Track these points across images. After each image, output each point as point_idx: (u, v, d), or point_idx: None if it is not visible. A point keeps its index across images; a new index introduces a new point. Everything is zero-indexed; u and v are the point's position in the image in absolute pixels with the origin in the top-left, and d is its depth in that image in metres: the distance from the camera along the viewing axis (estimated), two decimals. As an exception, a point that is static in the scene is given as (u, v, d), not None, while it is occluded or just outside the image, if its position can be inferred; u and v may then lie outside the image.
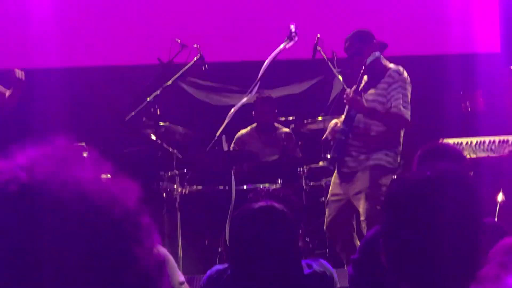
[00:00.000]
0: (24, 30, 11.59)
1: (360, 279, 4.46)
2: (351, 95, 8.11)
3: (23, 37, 11.55)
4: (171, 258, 5.68)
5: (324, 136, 8.52)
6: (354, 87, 8.20)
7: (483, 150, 9.38)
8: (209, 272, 4.97)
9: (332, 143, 8.35)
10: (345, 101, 8.27)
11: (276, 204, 4.09)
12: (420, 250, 2.62)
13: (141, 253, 1.48)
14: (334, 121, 8.52)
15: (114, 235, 1.46)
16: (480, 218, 2.71)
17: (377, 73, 8.17)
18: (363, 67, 8.11)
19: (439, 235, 2.61)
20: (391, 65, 8.24)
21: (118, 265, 1.45)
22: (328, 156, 8.44)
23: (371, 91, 8.18)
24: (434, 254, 2.60)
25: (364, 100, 8.13)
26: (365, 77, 8.25)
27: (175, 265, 5.77)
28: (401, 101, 8.08)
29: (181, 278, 5.65)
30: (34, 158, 1.50)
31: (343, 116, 8.37)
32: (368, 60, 8.07)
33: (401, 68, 8.25)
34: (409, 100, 8.21)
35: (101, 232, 1.44)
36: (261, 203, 4.14)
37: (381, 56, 8.29)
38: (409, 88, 8.21)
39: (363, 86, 8.20)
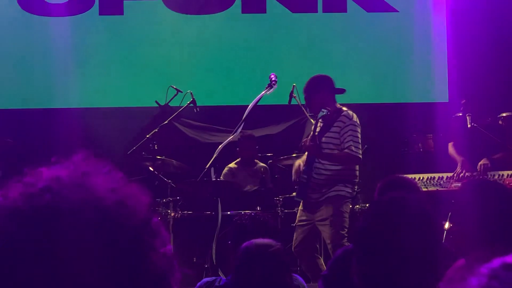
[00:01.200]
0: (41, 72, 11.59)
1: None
2: (308, 143, 8.19)
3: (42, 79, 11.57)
4: None
5: (293, 178, 8.59)
6: (311, 135, 8.26)
7: (433, 185, 9.45)
8: (198, 284, 5.10)
9: (297, 183, 8.45)
10: (303, 148, 8.36)
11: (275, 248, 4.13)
12: (387, 269, 2.65)
13: (156, 256, 1.44)
14: (297, 162, 8.56)
15: (132, 244, 1.41)
16: (440, 238, 2.82)
17: (330, 119, 8.22)
18: (317, 120, 8.22)
19: (404, 254, 2.64)
20: (344, 110, 8.32)
21: (137, 271, 1.41)
22: (294, 194, 8.55)
23: (326, 134, 8.26)
24: (399, 272, 2.63)
25: (320, 146, 8.22)
26: (319, 123, 8.35)
27: None
28: (352, 143, 8.16)
29: None
30: (57, 173, 1.46)
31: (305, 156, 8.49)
32: (319, 116, 8.16)
33: (350, 112, 8.32)
34: (360, 139, 8.26)
35: (120, 241, 1.40)
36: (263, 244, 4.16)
37: (335, 103, 8.36)
38: (359, 129, 8.26)
39: (318, 132, 8.26)
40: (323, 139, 8.24)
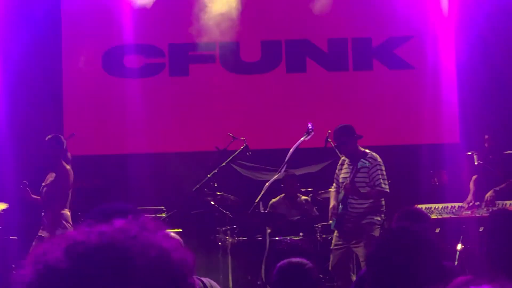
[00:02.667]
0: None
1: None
2: (348, 186, 8.26)
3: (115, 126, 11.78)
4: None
5: (329, 217, 8.67)
6: (349, 179, 8.31)
7: (446, 213, 9.43)
8: None
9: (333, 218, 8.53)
10: (344, 190, 8.41)
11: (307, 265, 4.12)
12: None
13: None
14: (332, 203, 8.68)
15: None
16: (440, 262, 2.75)
17: (358, 161, 8.31)
18: (355, 168, 8.27)
19: (405, 277, 2.63)
20: (367, 152, 8.38)
21: None
22: (332, 225, 8.61)
23: (358, 175, 8.31)
24: None
25: (356, 188, 8.28)
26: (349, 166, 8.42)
27: None
28: (380, 181, 8.27)
29: None
30: (125, 224, 1.36)
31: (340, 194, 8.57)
32: (359, 165, 8.22)
33: (374, 154, 8.41)
34: (385, 176, 8.34)
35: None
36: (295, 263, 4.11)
37: (358, 147, 8.43)
38: (383, 168, 8.37)
39: (353, 175, 8.34)
40: (356, 179, 8.29)
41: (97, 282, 1.26)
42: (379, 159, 8.40)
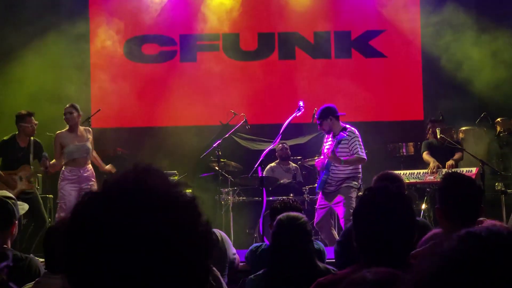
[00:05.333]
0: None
1: (342, 253, 4.50)
2: (330, 154, 8.17)
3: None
4: (227, 237, 5.44)
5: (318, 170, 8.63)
6: (330, 149, 8.14)
7: (413, 178, 9.41)
8: (250, 247, 5.19)
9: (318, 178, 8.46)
10: (326, 157, 8.32)
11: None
12: (375, 236, 2.58)
13: (206, 264, 1.22)
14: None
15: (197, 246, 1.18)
16: (413, 215, 2.68)
17: (339, 135, 8.16)
18: (335, 140, 8.15)
19: (387, 225, 2.57)
20: (348, 127, 8.18)
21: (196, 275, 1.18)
22: (317, 187, 8.55)
23: (340, 146, 8.16)
24: (384, 238, 2.57)
25: (337, 155, 8.18)
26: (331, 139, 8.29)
27: (230, 241, 5.49)
28: (358, 149, 8.13)
29: (233, 250, 5.43)
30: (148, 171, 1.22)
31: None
32: (339, 138, 8.09)
33: (353, 129, 8.23)
34: (362, 145, 8.19)
35: (188, 242, 1.16)
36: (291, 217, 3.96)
37: (339, 123, 8.25)
38: (360, 139, 8.15)
39: (333, 147, 8.14)
40: (338, 149, 8.22)
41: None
42: (356, 132, 8.26)
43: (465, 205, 3.43)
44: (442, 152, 9.48)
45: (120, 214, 1.13)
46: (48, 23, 10.93)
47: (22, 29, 10.88)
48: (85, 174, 8.52)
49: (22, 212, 4.38)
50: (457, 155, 9.50)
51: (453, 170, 9.07)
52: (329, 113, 8.27)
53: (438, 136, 9.53)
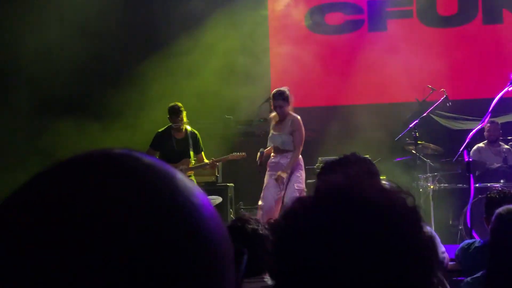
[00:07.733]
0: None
1: None
2: None
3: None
4: (435, 233, 4.90)
5: None
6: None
7: None
8: (461, 244, 4.85)
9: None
10: None
11: None
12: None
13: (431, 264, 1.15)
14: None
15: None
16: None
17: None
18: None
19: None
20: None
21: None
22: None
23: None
24: None
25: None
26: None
27: (438, 238, 4.98)
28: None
29: (442, 248, 5.00)
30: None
31: None
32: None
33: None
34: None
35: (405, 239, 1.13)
36: None
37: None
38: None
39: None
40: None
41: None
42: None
43: None
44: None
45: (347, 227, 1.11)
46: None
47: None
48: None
49: (214, 204, 4.09)
50: None
51: None
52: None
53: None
